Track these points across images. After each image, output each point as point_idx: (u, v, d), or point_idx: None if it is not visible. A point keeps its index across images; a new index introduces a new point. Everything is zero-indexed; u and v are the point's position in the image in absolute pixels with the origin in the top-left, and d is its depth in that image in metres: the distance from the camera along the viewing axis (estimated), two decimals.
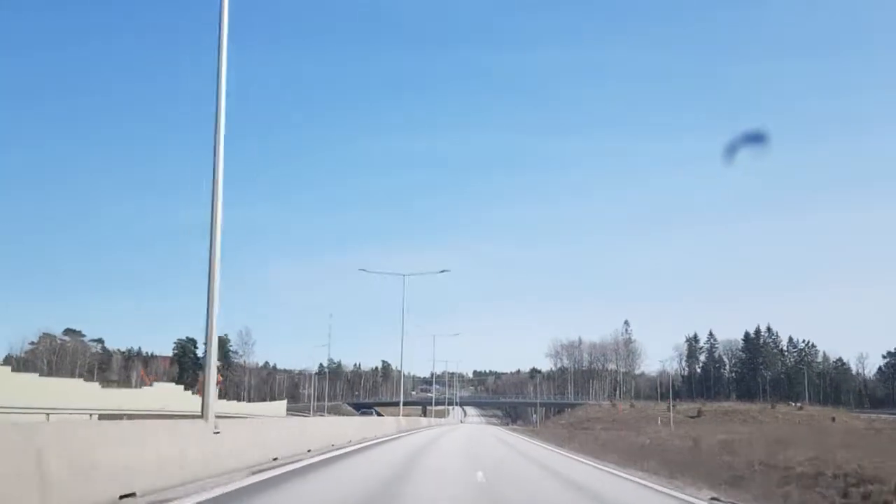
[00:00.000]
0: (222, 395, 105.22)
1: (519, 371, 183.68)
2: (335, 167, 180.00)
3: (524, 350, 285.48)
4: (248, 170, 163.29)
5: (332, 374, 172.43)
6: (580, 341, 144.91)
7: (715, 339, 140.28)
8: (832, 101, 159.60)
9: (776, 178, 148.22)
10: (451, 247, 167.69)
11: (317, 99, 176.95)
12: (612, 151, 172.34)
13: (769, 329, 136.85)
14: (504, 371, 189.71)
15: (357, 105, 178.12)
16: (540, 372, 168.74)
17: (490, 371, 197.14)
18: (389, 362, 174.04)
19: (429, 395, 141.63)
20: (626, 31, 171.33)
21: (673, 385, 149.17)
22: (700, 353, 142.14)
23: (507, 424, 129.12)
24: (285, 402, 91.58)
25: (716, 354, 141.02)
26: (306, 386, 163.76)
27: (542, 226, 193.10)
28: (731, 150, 6.50)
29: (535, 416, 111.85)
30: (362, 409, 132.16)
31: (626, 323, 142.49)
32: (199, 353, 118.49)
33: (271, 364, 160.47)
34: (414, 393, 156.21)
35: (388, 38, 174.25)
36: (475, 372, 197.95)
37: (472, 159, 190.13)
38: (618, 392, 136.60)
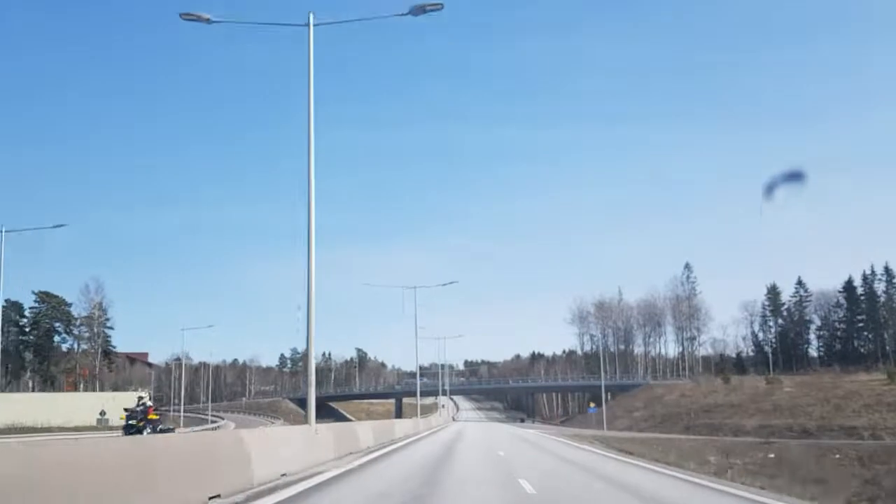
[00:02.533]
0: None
1: (518, 356, 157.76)
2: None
3: (522, 337, 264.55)
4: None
5: (297, 366, 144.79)
6: (621, 296, 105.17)
7: (806, 290, 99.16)
8: None
9: None
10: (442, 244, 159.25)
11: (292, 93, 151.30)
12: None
13: (887, 270, 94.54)
14: (498, 360, 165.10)
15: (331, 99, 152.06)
16: (543, 356, 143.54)
17: (482, 361, 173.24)
18: (366, 351, 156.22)
19: (413, 388, 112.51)
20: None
21: (739, 355, 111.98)
22: (782, 310, 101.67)
23: (522, 421, 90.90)
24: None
25: (805, 310, 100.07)
26: (253, 381, 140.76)
27: (534, 217, 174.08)
28: (769, 189, 6.49)
29: (593, 406, 69.49)
30: (324, 405, 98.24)
31: (688, 268, 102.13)
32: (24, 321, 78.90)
33: (241, 361, 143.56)
34: (398, 387, 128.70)
35: (366, 29, 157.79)
36: (466, 362, 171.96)
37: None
38: (678, 366, 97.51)
